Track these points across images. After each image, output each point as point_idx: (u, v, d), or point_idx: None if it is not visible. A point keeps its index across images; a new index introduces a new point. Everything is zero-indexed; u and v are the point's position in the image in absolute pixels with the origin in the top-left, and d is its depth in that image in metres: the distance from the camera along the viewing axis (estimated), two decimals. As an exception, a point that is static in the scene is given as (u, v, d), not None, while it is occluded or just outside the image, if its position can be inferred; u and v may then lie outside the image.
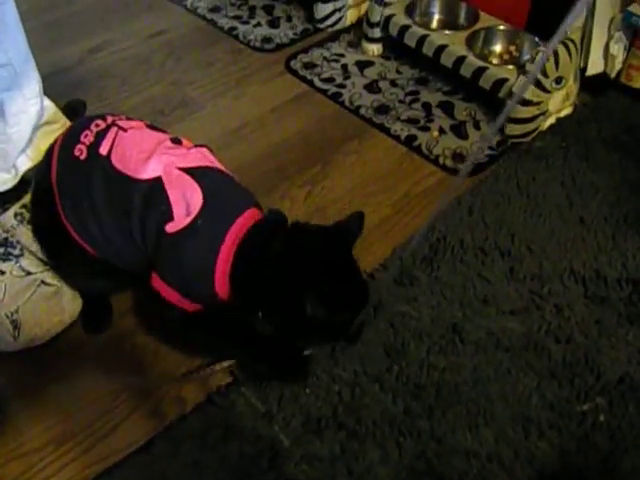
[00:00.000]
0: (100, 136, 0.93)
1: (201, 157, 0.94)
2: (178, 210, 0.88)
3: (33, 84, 1.08)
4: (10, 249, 1.07)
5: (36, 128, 1.12)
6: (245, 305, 0.91)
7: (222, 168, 0.96)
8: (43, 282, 1.07)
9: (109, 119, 0.96)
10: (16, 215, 1.07)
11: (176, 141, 0.96)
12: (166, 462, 0.93)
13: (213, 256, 0.88)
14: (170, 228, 0.87)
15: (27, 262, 1.07)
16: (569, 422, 0.98)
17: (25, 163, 1.13)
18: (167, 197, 0.88)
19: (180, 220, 0.87)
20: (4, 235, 1.08)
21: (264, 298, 0.88)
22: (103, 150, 0.91)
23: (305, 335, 0.92)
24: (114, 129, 0.94)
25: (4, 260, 1.06)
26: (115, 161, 0.91)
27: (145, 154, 0.90)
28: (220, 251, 0.87)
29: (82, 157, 0.92)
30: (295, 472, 0.92)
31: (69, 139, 0.96)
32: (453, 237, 1.24)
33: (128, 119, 0.98)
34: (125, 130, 0.93)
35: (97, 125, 0.95)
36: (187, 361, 1.07)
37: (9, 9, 0.99)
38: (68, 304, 1.08)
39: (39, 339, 1.05)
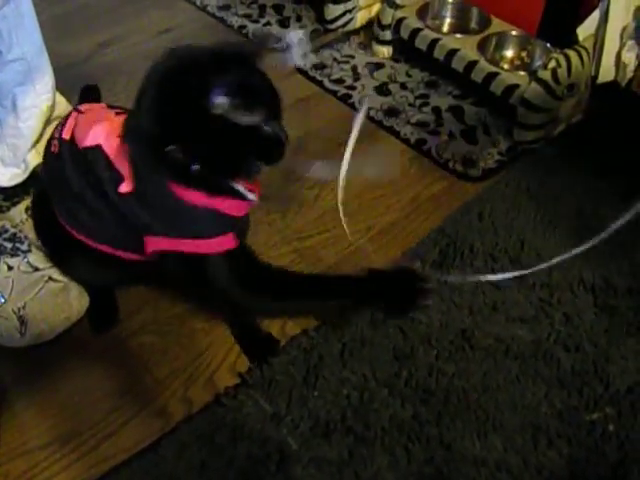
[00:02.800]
0: (62, 125, 0.95)
1: None
2: (125, 169, 0.87)
3: (46, 79, 1.07)
4: (18, 244, 1.06)
5: (47, 123, 1.12)
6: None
7: None
8: (51, 278, 1.06)
9: (73, 109, 0.98)
10: (27, 209, 1.07)
11: (124, 113, 0.95)
12: (173, 463, 0.93)
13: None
14: (124, 188, 0.87)
15: (35, 258, 1.07)
16: (578, 431, 0.97)
17: (35, 158, 1.13)
18: (111, 162, 0.87)
19: (129, 176, 0.87)
20: (12, 230, 1.07)
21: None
22: (66, 135, 0.93)
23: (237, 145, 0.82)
24: (73, 114, 0.95)
25: (12, 255, 1.05)
26: (77, 141, 0.91)
27: (90, 125, 0.91)
28: None
29: (55, 150, 0.94)
30: (303, 476, 0.91)
31: (50, 139, 0.97)
32: (463, 242, 1.23)
33: (90, 104, 1.00)
34: (82, 112, 0.95)
35: (65, 118, 0.96)
36: (196, 361, 1.06)
37: (25, 2, 0.98)
38: (75, 301, 1.07)
39: (46, 336, 1.05)
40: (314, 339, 1.07)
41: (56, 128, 0.96)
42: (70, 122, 0.94)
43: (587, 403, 1.00)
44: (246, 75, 0.81)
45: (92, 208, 0.92)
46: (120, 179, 0.87)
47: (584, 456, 0.95)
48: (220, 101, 0.77)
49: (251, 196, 0.88)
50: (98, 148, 0.88)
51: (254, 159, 0.85)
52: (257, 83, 0.83)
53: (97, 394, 1.02)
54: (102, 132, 0.89)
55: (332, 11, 1.77)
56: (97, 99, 1.26)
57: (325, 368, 1.03)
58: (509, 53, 1.58)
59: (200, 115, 0.77)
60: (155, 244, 0.89)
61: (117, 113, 0.95)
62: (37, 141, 1.12)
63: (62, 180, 0.92)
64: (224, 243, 0.88)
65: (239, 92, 0.78)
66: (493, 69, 1.46)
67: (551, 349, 1.07)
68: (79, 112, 0.95)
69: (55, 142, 0.94)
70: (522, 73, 1.45)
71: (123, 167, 0.87)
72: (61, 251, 1.05)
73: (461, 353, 1.06)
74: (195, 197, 0.85)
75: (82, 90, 1.24)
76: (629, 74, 1.49)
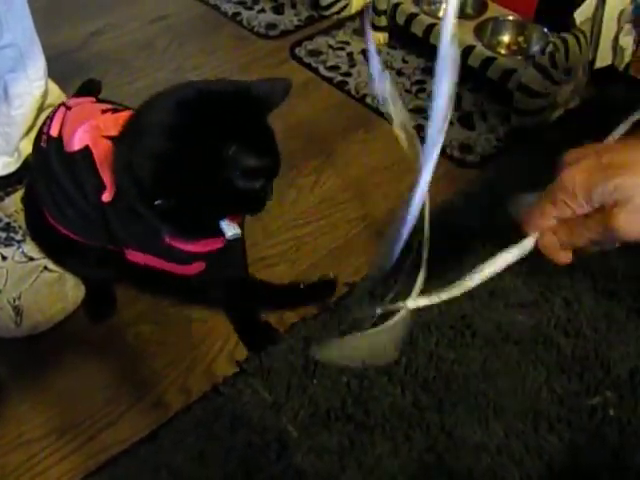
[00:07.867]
0: (51, 119, 0.91)
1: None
2: (107, 177, 0.84)
3: (38, 65, 1.06)
4: (12, 234, 1.05)
5: (40, 110, 1.10)
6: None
7: None
8: (46, 268, 1.05)
9: (62, 103, 0.95)
10: (23, 199, 1.05)
11: (110, 110, 0.92)
12: (171, 453, 0.92)
13: None
14: (106, 197, 0.84)
15: (29, 247, 1.05)
16: (579, 416, 0.97)
17: (28, 146, 1.11)
18: (96, 168, 0.84)
19: (111, 186, 0.84)
20: (6, 220, 1.06)
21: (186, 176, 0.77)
22: (53, 132, 0.89)
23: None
24: (62, 109, 0.92)
25: (6, 245, 1.04)
26: (64, 142, 0.88)
27: (76, 126, 0.87)
28: None
29: (44, 145, 0.90)
30: (303, 463, 0.91)
31: (38, 133, 0.94)
32: (461, 229, 1.22)
33: (77, 97, 0.97)
34: (70, 108, 0.91)
35: (54, 112, 0.93)
36: (194, 350, 1.06)
37: (15, -13, 0.96)
38: (71, 291, 1.06)
39: (42, 326, 1.04)
40: (313, 327, 1.06)
41: (45, 122, 0.93)
42: (58, 118, 0.90)
43: (588, 388, 1.00)
44: (260, 135, 0.80)
45: (79, 208, 0.89)
46: (103, 187, 0.84)
47: (585, 440, 0.94)
48: (231, 167, 0.75)
49: (232, 232, 0.85)
50: (87, 150, 0.85)
51: (238, 211, 0.86)
52: (268, 146, 0.81)
53: (94, 385, 1.01)
54: (87, 133, 0.85)
55: (327, -3, 1.75)
56: (97, 94, 1.24)
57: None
58: (506, 38, 1.57)
59: (207, 179, 0.76)
60: (133, 257, 0.90)
61: (103, 111, 0.91)
62: (30, 129, 1.11)
63: (50, 176, 0.90)
64: (197, 268, 0.92)
65: (250, 158, 0.76)
66: (490, 54, 1.45)
67: (551, 334, 1.06)
68: (67, 108, 0.91)
69: (44, 137, 0.90)
70: (519, 58, 1.44)
71: (106, 175, 0.84)
72: (52, 246, 1.03)
73: (461, 339, 1.06)
74: (172, 241, 0.86)
75: (83, 84, 1.21)
76: (627, 58, 1.48)
